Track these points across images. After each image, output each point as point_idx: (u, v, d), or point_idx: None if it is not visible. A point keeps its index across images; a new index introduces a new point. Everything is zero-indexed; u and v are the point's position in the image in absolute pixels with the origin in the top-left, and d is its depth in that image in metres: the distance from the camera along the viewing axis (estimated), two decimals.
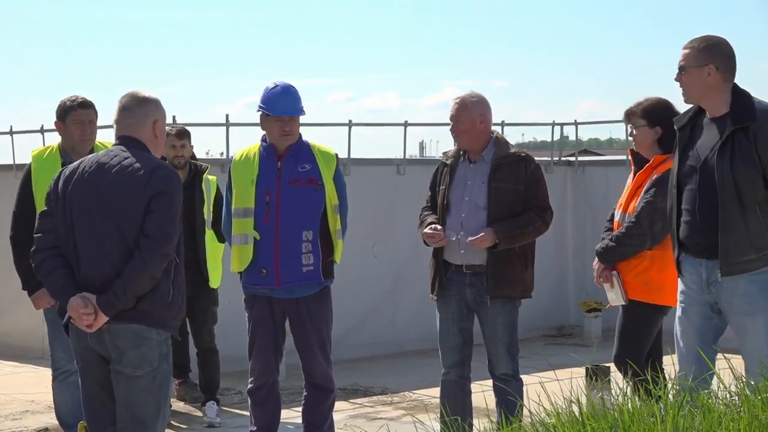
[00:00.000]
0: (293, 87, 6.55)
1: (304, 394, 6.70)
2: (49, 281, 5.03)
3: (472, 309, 6.49)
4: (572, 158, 13.06)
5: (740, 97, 5.39)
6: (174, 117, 9.63)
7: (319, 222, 6.48)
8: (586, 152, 22.00)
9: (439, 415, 6.45)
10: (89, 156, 5.14)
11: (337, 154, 6.69)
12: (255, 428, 6.72)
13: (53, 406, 6.88)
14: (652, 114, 6.34)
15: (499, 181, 6.38)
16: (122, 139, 5.06)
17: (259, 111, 6.56)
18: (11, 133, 11.19)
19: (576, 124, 13.12)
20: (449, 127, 6.52)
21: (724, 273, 5.35)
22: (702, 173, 5.40)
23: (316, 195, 6.48)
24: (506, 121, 12.14)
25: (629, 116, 6.46)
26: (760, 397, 3.99)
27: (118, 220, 4.85)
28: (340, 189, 6.60)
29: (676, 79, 5.47)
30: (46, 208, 5.06)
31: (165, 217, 4.84)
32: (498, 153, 6.44)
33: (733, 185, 5.29)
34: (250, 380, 6.72)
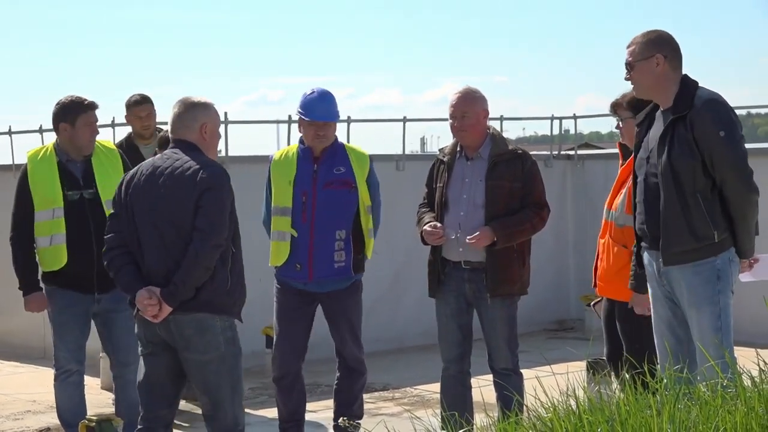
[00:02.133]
0: (329, 93, 6.86)
1: (337, 375, 7.04)
2: (118, 277, 5.47)
3: (471, 304, 6.50)
4: (572, 152, 13.06)
5: (685, 87, 5.42)
6: None
7: (352, 222, 6.81)
8: (587, 146, 21.94)
9: (440, 411, 6.46)
10: (147, 161, 5.58)
11: (370, 156, 6.96)
12: (282, 416, 6.98)
13: (55, 405, 6.90)
14: (637, 106, 6.27)
15: (496, 179, 6.38)
16: (176, 143, 5.51)
17: (297, 115, 6.86)
18: (10, 133, 11.18)
19: (575, 117, 13.11)
20: (450, 122, 6.50)
21: (665, 262, 5.39)
22: (648, 164, 5.46)
23: (350, 197, 6.79)
24: (505, 116, 12.16)
25: (615, 108, 6.41)
26: (756, 389, 4.00)
27: (174, 218, 5.30)
28: (372, 189, 6.90)
29: (626, 79, 5.52)
30: (114, 211, 5.53)
31: (213, 211, 5.27)
32: (495, 150, 6.44)
33: (671, 174, 5.31)
34: (273, 368, 6.99)
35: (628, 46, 5.50)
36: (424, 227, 6.44)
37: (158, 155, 5.64)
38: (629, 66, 5.49)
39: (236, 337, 5.47)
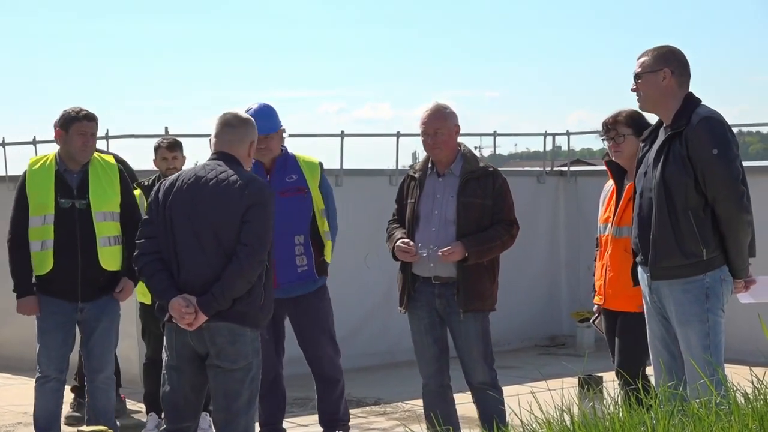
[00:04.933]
0: (266, 107, 7.07)
1: (315, 387, 7.17)
2: (151, 283, 5.50)
3: (443, 318, 6.50)
4: (564, 168, 13.07)
5: (687, 104, 5.44)
6: (166, 128, 9.66)
7: (308, 226, 7.05)
8: (579, 162, 22.00)
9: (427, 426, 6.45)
10: (187, 169, 5.62)
11: (321, 163, 7.27)
12: (262, 420, 7.07)
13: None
14: (638, 122, 6.21)
15: (468, 196, 6.39)
16: (219, 155, 5.55)
17: None
18: (3, 144, 11.18)
19: (568, 134, 13.13)
20: (422, 139, 6.49)
21: (652, 277, 5.41)
22: (645, 180, 5.46)
23: (304, 202, 7.07)
24: (498, 132, 12.17)
25: (613, 126, 6.30)
26: (750, 406, 4.01)
27: (216, 228, 5.34)
28: (326, 195, 7.20)
29: (632, 89, 5.55)
30: (147, 217, 5.56)
31: (260, 227, 5.35)
32: (466, 167, 6.45)
33: (664, 190, 5.33)
34: None
35: (639, 58, 5.55)
36: (397, 243, 6.46)
37: (199, 165, 5.66)
38: (637, 77, 5.52)
39: (260, 349, 5.56)
